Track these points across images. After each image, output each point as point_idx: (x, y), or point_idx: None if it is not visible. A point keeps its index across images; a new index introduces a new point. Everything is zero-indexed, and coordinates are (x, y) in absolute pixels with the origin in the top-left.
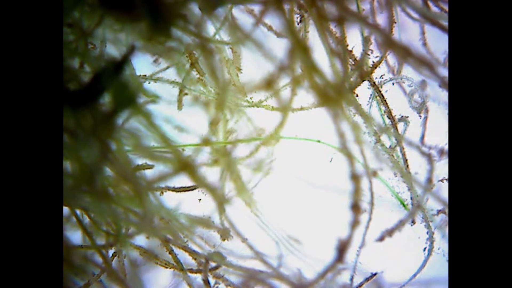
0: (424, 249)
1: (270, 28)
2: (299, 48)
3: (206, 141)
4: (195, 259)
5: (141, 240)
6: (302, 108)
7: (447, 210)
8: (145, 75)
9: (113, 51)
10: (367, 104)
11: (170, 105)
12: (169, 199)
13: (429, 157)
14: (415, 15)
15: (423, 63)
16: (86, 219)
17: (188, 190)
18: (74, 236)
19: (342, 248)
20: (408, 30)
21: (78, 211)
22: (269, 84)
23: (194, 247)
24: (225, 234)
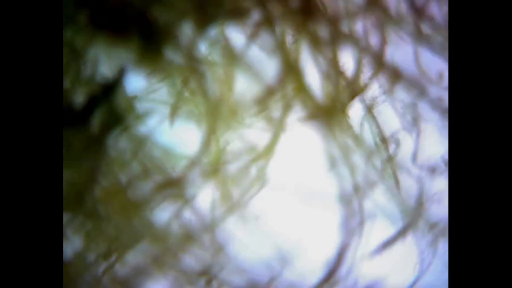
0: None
1: (262, 48)
2: (291, 69)
3: (196, 161)
4: (187, 276)
5: (132, 256)
6: (293, 127)
7: (439, 226)
8: (136, 95)
9: (105, 70)
10: (360, 124)
11: (161, 123)
12: (162, 215)
13: (418, 179)
14: (407, 36)
15: (414, 84)
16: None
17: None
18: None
19: (336, 261)
20: (401, 49)
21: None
22: (260, 104)
23: (186, 263)
24: (217, 251)
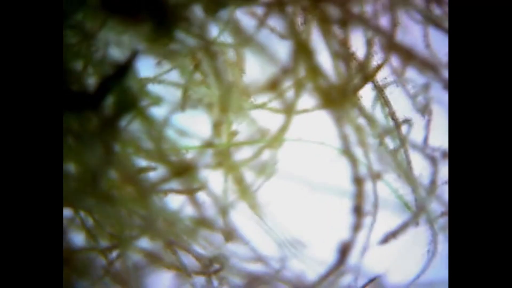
0: (428, 251)
1: (273, 30)
2: (302, 50)
3: (209, 144)
4: (198, 261)
5: (144, 242)
6: (305, 111)
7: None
8: (148, 78)
9: (117, 53)
10: (371, 106)
11: (173, 107)
12: (173, 201)
13: (432, 159)
14: (417, 17)
15: (426, 65)
16: (90, 222)
17: (192, 193)
18: (78, 238)
19: (344, 251)
20: (412, 31)
21: (81, 213)
22: (272, 86)
23: (198, 249)
24: (229, 236)
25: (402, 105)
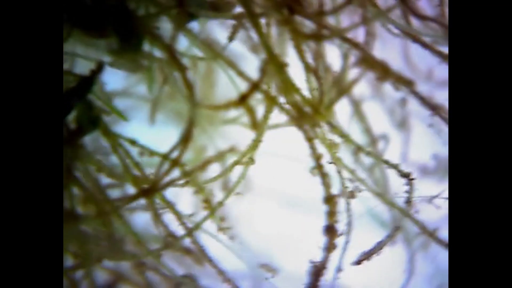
0: (406, 271)
1: (245, 43)
2: (275, 64)
3: (175, 161)
4: (167, 282)
5: (110, 262)
6: (277, 126)
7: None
8: (115, 91)
9: (83, 66)
10: (348, 121)
11: (141, 120)
12: (140, 220)
13: (408, 177)
14: (396, 31)
15: (402, 80)
16: None
17: (157, 212)
18: None
19: (316, 273)
20: (391, 44)
21: None
22: (241, 100)
23: (166, 270)
24: (197, 257)
25: (379, 120)
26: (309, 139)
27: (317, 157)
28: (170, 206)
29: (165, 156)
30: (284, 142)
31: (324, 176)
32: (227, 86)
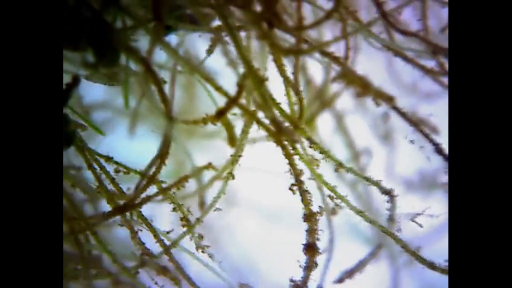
0: None
1: (224, 56)
2: (254, 78)
3: (152, 178)
4: None
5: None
6: (255, 141)
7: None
8: (93, 104)
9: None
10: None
11: (119, 135)
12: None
13: (389, 194)
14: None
15: (382, 96)
16: None
17: (134, 230)
18: None
19: None
20: (376, 57)
21: None
22: (219, 115)
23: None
24: (174, 276)
25: (363, 134)
26: (288, 156)
27: (296, 174)
28: (147, 223)
29: (141, 174)
30: (266, 156)
31: (303, 193)
32: (208, 98)
